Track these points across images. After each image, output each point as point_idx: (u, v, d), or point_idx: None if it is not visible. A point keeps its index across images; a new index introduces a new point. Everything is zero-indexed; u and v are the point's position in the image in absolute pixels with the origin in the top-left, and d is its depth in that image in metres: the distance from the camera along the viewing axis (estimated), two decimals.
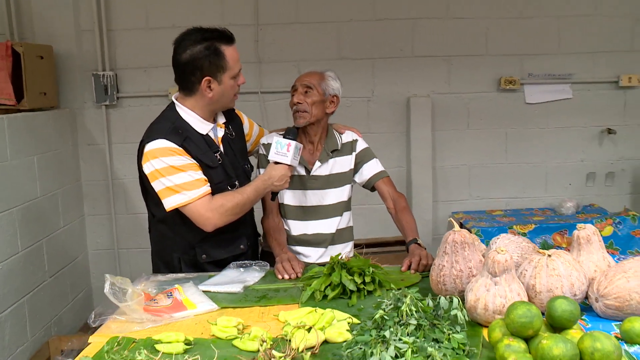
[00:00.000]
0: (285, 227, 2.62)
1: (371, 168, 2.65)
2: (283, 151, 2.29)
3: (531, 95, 4.45)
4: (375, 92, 4.31)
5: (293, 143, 2.29)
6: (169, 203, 2.21)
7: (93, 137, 4.17)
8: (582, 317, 1.72)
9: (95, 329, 1.83)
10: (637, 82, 4.37)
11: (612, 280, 1.71)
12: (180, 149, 2.21)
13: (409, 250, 2.38)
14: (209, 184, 2.24)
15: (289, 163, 2.29)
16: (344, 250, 2.67)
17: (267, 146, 2.54)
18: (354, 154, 2.65)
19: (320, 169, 2.59)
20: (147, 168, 2.23)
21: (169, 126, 2.25)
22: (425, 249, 2.37)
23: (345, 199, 2.67)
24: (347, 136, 2.67)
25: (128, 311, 1.81)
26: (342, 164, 2.63)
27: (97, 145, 4.18)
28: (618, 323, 1.64)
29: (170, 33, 4.15)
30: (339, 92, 2.59)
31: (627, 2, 4.34)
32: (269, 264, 2.35)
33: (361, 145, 2.67)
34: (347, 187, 2.67)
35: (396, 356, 1.30)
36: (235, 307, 1.95)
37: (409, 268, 2.25)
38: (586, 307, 1.79)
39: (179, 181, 2.18)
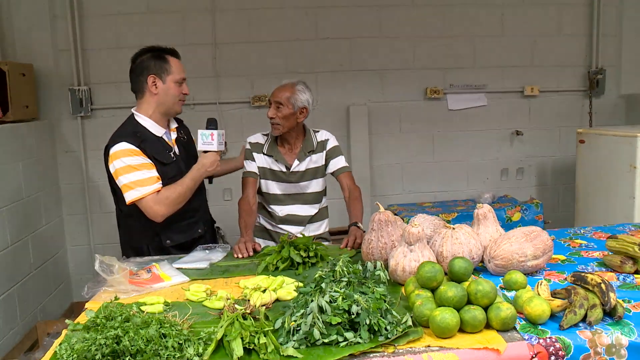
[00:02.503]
0: (271, 211, 2.89)
1: (336, 163, 2.90)
2: (208, 140, 2.49)
3: (453, 103, 4.76)
4: (319, 102, 4.54)
5: (215, 132, 2.48)
6: (128, 197, 2.41)
7: (70, 145, 4.30)
8: (479, 276, 2.00)
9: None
10: (537, 91, 4.78)
11: (499, 245, 2.01)
12: (138, 149, 2.41)
13: (349, 230, 2.64)
14: (160, 182, 2.43)
15: (215, 149, 2.50)
16: (321, 226, 2.96)
17: (252, 144, 2.84)
18: (324, 151, 2.90)
19: (298, 167, 2.85)
20: (112, 168, 2.43)
21: (129, 131, 2.47)
22: (364, 231, 2.64)
23: (321, 189, 2.94)
24: (321, 135, 2.93)
25: (115, 283, 2.01)
26: (316, 160, 2.89)
27: (73, 152, 4.31)
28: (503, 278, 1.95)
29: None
30: (308, 103, 2.80)
31: (527, 25, 4.73)
32: (229, 246, 2.58)
33: (332, 143, 2.92)
34: (322, 180, 2.94)
35: (330, 302, 1.57)
36: (203, 279, 2.18)
37: (346, 245, 2.52)
38: (482, 268, 2.09)
39: (134, 178, 2.39)
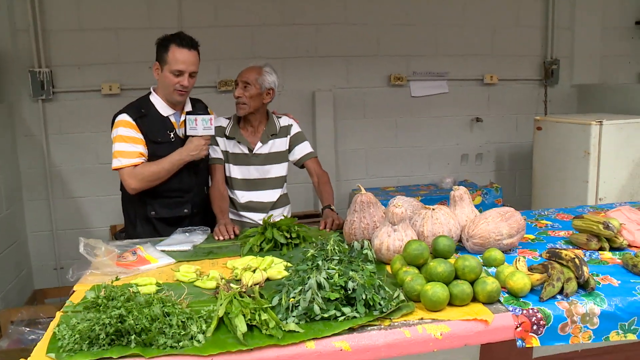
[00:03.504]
0: (233, 197, 2.86)
1: (302, 149, 2.93)
2: (193, 126, 2.58)
3: (416, 90, 4.88)
4: (285, 87, 4.56)
5: (199, 117, 2.57)
6: (113, 164, 2.57)
7: (30, 129, 4.17)
8: (458, 254, 2.10)
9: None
10: (497, 80, 4.96)
11: (477, 224, 2.12)
12: (133, 123, 2.56)
13: (323, 213, 2.70)
14: (141, 158, 2.56)
15: (199, 134, 2.58)
16: (283, 212, 2.94)
17: (215, 128, 2.75)
18: (288, 136, 2.91)
19: (261, 149, 2.84)
20: (112, 135, 2.59)
21: (135, 105, 2.63)
22: (337, 213, 2.70)
23: (284, 174, 2.94)
24: (284, 121, 2.93)
25: (101, 266, 2.00)
26: (279, 145, 2.89)
27: (34, 137, 4.18)
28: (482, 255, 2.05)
29: (100, 34, 4.27)
30: (275, 85, 2.81)
31: (486, 16, 4.89)
32: (209, 229, 2.60)
33: (295, 129, 2.94)
34: (285, 164, 2.93)
35: (327, 278, 1.62)
36: (189, 260, 2.19)
37: (325, 227, 2.58)
38: (460, 247, 2.18)
39: (120, 149, 2.55)
